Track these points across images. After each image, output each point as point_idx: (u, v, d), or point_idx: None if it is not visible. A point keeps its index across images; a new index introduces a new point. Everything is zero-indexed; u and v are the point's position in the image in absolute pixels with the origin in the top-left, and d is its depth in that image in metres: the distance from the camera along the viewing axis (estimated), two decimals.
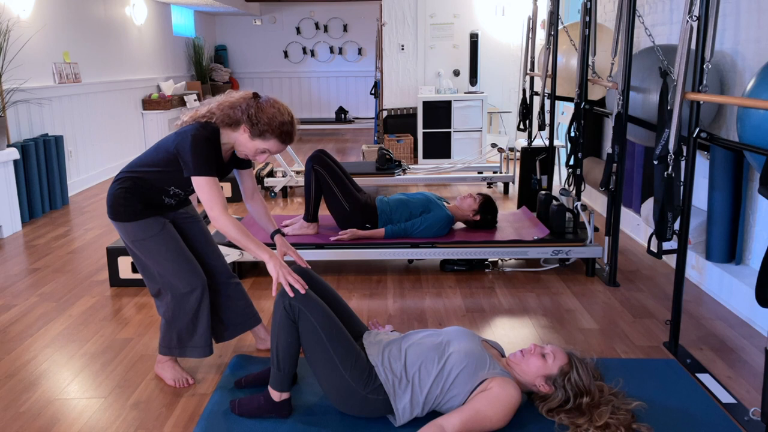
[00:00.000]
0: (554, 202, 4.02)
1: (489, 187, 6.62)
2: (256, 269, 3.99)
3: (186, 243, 2.61)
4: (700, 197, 3.81)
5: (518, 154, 5.73)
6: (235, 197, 5.98)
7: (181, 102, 9.08)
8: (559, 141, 5.97)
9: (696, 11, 2.58)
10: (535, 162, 5.03)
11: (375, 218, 3.92)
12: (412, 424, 2.14)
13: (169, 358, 2.62)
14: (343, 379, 2.11)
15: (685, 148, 2.76)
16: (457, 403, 2.10)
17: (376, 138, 9.10)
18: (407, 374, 2.14)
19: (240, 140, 2.39)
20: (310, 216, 4.01)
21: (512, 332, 3.08)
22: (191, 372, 2.70)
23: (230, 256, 3.72)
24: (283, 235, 2.62)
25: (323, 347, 2.11)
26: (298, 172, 6.20)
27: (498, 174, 6.31)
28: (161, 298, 2.56)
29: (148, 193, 2.46)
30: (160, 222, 2.49)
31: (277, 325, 2.14)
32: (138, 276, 3.71)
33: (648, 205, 4.02)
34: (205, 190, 2.30)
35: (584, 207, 3.82)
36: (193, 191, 2.53)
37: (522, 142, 5.65)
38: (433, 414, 2.16)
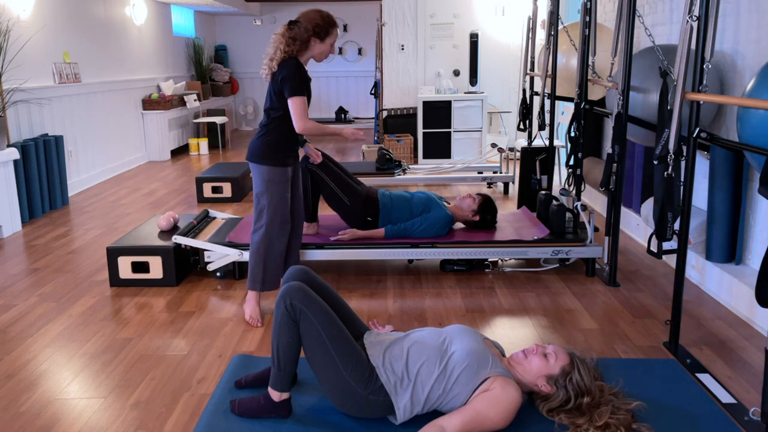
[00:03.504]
0: (554, 202, 4.02)
1: (489, 187, 6.62)
2: None
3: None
4: (700, 197, 3.81)
5: (518, 154, 5.74)
6: (235, 198, 5.98)
7: (181, 102, 9.07)
8: (559, 141, 5.97)
9: (696, 11, 2.58)
10: (535, 162, 5.03)
11: (376, 210, 3.90)
12: (412, 424, 2.13)
13: (255, 294, 3.21)
14: (344, 379, 2.11)
15: (685, 148, 2.76)
16: (459, 403, 2.10)
17: (376, 138, 9.10)
18: (408, 374, 2.14)
19: (316, 50, 3.15)
20: (309, 216, 4.01)
21: (512, 332, 3.08)
22: (191, 372, 2.71)
23: (230, 256, 3.72)
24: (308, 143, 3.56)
25: (324, 347, 2.11)
26: None
27: (498, 174, 6.31)
28: (257, 234, 3.17)
29: (285, 134, 3.12)
30: (287, 175, 3.16)
31: (278, 325, 2.14)
32: (138, 276, 3.72)
33: (648, 205, 4.02)
34: (298, 105, 3.03)
35: (584, 207, 3.82)
36: None
37: (522, 142, 5.65)
38: (435, 413, 2.15)
